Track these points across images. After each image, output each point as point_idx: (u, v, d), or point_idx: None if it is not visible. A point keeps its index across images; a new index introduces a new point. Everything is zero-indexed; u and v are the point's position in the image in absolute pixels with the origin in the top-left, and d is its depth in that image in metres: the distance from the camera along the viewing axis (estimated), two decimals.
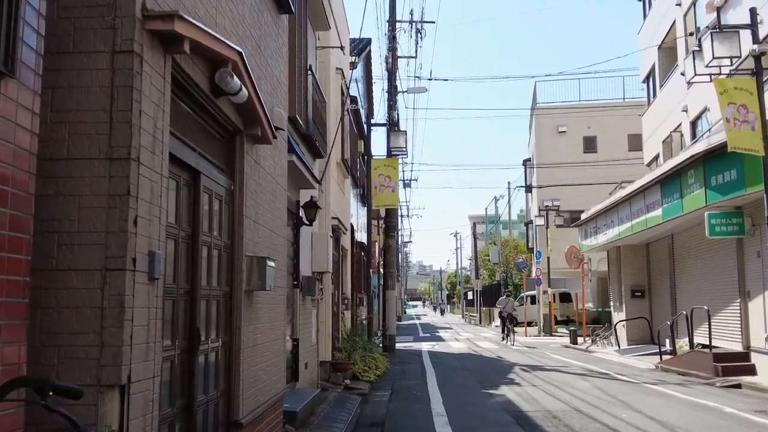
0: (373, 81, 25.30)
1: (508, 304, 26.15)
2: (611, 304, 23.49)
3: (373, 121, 20.43)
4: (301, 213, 9.49)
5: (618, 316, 21.97)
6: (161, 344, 3.66)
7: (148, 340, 3.37)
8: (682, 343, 16.18)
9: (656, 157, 22.75)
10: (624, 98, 32.15)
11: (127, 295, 3.16)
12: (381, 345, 20.95)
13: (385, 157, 18.58)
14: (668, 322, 16.41)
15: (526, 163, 37.69)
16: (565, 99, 32.81)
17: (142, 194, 3.31)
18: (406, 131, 18.08)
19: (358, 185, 18.64)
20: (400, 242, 63.19)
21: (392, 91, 19.49)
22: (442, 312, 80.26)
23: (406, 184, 51.96)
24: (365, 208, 24.62)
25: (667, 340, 16.70)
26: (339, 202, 13.58)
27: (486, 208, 56.98)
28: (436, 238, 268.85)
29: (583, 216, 23.53)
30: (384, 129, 18.92)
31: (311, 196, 9.52)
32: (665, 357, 16.05)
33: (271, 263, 5.60)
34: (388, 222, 20.38)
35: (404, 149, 18.13)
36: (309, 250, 10.52)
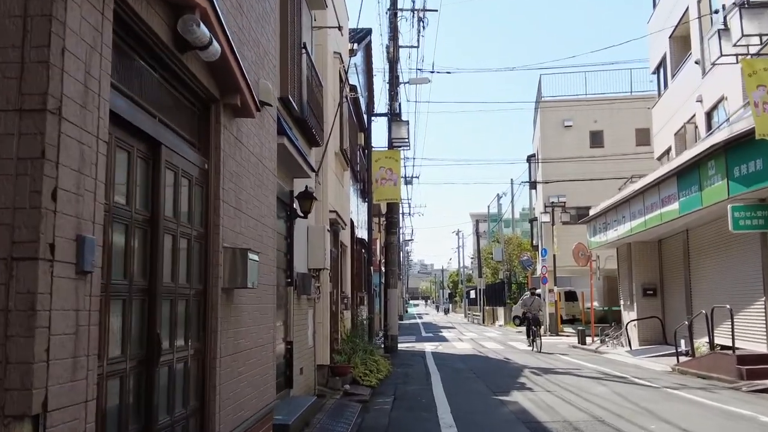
0: (374, 74, 24.49)
1: (534, 303, 21.85)
2: (621, 303, 22.66)
3: (374, 113, 19.59)
4: (296, 205, 8.67)
5: (629, 315, 21.15)
6: (101, 357, 2.84)
7: (76, 353, 2.55)
8: (699, 344, 15.37)
9: (668, 151, 21.91)
10: (631, 91, 31.33)
11: (41, 293, 2.34)
12: (383, 346, 20.16)
13: (386, 149, 17.71)
14: (687, 322, 15.58)
15: (531, 159, 36.86)
16: (570, 93, 31.97)
17: (66, 160, 2.49)
18: (408, 121, 17.24)
19: (358, 179, 17.83)
20: (401, 240, 62.45)
21: (394, 81, 18.65)
22: (446, 311, 77.19)
23: (408, 181, 51.22)
24: (366, 204, 23.83)
25: (683, 341, 15.87)
26: (337, 195, 12.77)
27: (488, 206, 56.21)
28: (437, 237, 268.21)
29: (592, 212, 22.70)
30: (385, 122, 18.10)
31: (306, 186, 8.71)
32: (682, 358, 15.24)
33: (254, 256, 4.78)
34: (389, 218, 19.56)
35: (406, 140, 17.28)
36: (304, 245, 9.71)
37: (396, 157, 16.86)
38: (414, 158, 36.08)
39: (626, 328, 20.30)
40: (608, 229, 20.85)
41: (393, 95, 18.42)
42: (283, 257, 8.18)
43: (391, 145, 17.68)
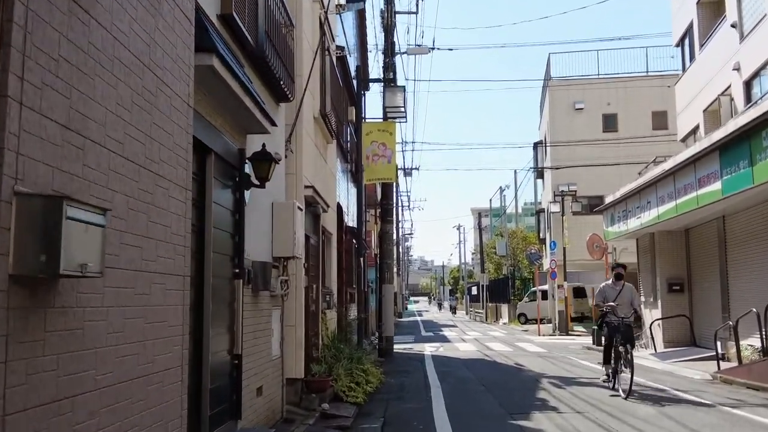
0: (368, 50, 22.24)
1: (622, 295, 11.21)
2: (642, 300, 20.44)
3: (366, 78, 17.23)
4: (249, 170, 6.45)
5: (651, 313, 18.94)
6: None
7: None
8: (744, 348, 13.19)
9: (694, 130, 19.68)
10: (647, 71, 29.05)
11: None
12: (377, 348, 17.97)
13: (381, 120, 15.35)
14: (731, 322, 13.35)
15: (537, 146, 34.62)
16: (582, 74, 29.68)
17: None
18: (404, 87, 14.93)
19: (348, 160, 15.58)
20: (400, 234, 60.23)
21: (389, 49, 16.40)
22: (453, 310, 68.38)
23: (407, 173, 48.98)
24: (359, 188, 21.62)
25: (719, 343, 13.65)
26: (318, 170, 10.55)
27: (491, 200, 53.88)
28: (438, 233, 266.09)
29: (609, 199, 20.45)
30: (380, 100, 15.76)
31: (264, 145, 6.48)
32: (724, 364, 13.05)
33: (92, 216, 2.55)
34: (384, 204, 17.33)
35: (402, 110, 14.97)
36: (267, 227, 7.49)
37: (390, 129, 14.54)
38: (414, 142, 33.85)
39: (650, 328, 18.08)
40: (629, 217, 18.61)
41: (388, 64, 16.17)
42: (228, 239, 5.97)
43: (385, 116, 15.38)
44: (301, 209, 8.16)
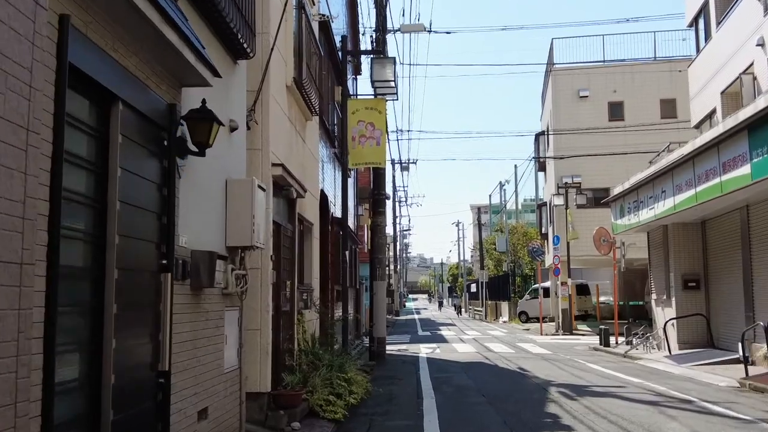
0: (361, 31, 20.78)
1: None
2: (653, 297, 19.06)
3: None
4: (184, 133, 5.04)
5: (664, 312, 17.57)
6: None
7: None
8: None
9: (711, 114, 18.27)
10: (655, 57, 27.60)
11: None
12: (368, 350, 16.57)
13: (372, 97, 13.78)
14: (761, 323, 11.97)
15: (539, 136, 33.20)
16: (586, 60, 28.27)
17: None
18: (394, 59, 13.36)
19: (335, 145, 14.16)
20: (398, 230, 58.76)
21: (381, 25, 14.92)
22: (459, 310, 57.52)
23: (404, 167, 47.53)
24: (348, 179, 20.21)
25: (740, 345, 12.27)
26: (294, 149, 9.15)
27: (490, 195, 52.40)
28: (436, 232, 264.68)
29: (618, 189, 19.05)
30: (369, 83, 14.29)
31: (204, 101, 5.07)
32: (752, 370, 11.69)
33: None
34: (375, 195, 15.91)
35: (392, 86, 13.43)
36: (218, 208, 6.09)
37: (380, 107, 13.02)
38: (410, 131, 31.92)
39: (665, 329, 16.68)
40: (641, 209, 17.21)
41: (379, 40, 14.70)
42: (151, 220, 4.56)
43: (374, 93, 13.87)
44: (264, 189, 6.74)
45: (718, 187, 12.51)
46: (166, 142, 4.79)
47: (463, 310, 45.55)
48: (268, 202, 7.09)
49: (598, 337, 19.91)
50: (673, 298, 16.91)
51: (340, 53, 13.08)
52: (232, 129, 6.40)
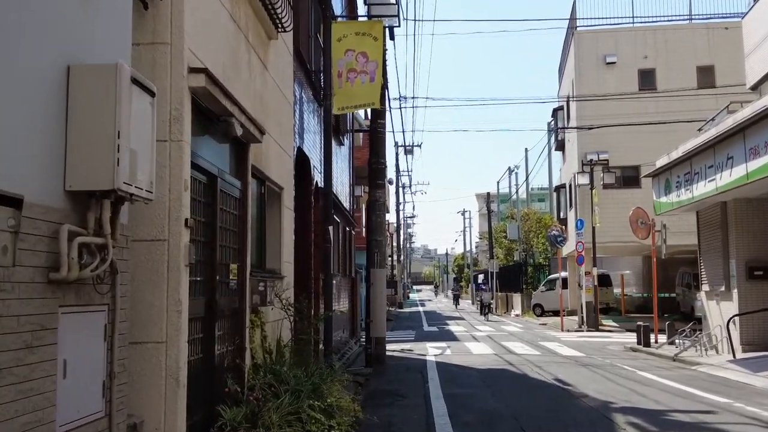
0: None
1: None
2: (703, 289, 16.02)
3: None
4: None
5: (721, 307, 14.55)
6: None
7: None
8: None
9: None
10: (691, 18, 24.48)
11: None
12: (364, 353, 13.62)
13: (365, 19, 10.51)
14: None
15: (557, 111, 30.11)
16: (614, 21, 25.17)
17: None
18: None
19: (319, 97, 11.13)
20: (401, 217, 55.71)
21: None
22: (456, 300, 50.29)
23: (408, 151, 44.39)
24: (344, 152, 17.18)
25: None
26: (235, 60, 6.12)
27: (498, 182, 49.19)
28: (441, 224, 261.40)
29: (663, 161, 15.96)
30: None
31: None
32: None
33: None
34: (373, 164, 12.88)
35: (393, 2, 10.31)
36: (36, 111, 3.08)
37: (375, 32, 9.67)
38: (414, 98, 28.42)
39: (727, 327, 13.67)
40: (695, 182, 14.14)
41: None
42: None
43: (367, 12, 10.71)
44: (153, 94, 3.73)
45: None
46: None
47: (490, 308, 34.04)
48: (153, 116, 4.08)
49: (630, 334, 16.94)
50: (735, 290, 13.90)
51: None
52: None
